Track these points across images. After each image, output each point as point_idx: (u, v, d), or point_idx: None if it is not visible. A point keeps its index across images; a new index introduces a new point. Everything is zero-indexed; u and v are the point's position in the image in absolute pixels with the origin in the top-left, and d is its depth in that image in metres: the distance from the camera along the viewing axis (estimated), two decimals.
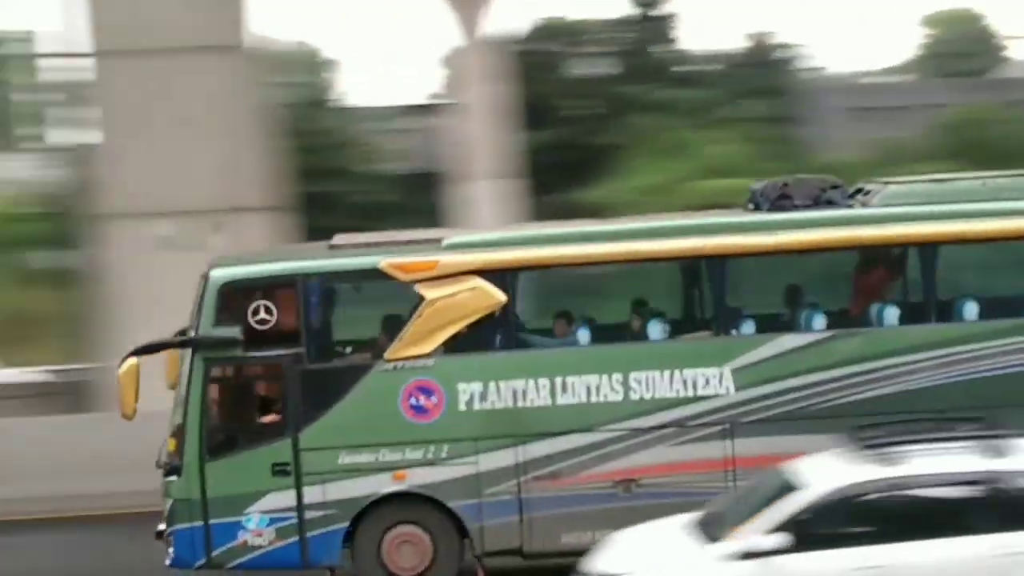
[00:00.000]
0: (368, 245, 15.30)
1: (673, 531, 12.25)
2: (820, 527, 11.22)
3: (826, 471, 11.76)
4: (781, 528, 11.25)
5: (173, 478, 14.70)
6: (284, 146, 24.35)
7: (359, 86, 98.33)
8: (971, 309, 14.74)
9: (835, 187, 15.45)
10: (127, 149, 23.00)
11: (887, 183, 15.50)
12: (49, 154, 38.33)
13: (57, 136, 37.92)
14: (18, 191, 39.77)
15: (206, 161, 22.78)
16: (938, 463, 11.54)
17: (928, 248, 14.80)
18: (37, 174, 39.05)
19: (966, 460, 11.54)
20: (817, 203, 15.16)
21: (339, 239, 15.73)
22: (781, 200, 15.30)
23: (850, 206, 15.23)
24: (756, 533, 11.32)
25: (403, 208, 24.84)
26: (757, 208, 15.44)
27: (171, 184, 22.70)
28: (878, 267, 15.35)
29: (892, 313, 14.78)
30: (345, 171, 35.73)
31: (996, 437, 11.91)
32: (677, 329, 15.04)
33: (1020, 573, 10.95)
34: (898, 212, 14.85)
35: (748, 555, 11.22)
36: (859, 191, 15.68)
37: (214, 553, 14.62)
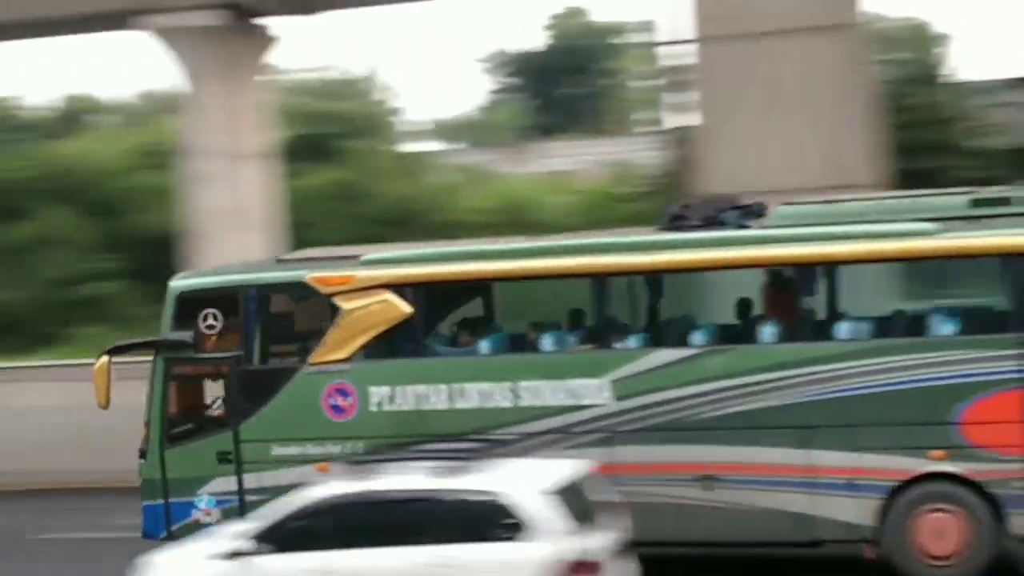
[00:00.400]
0: (308, 260, 16.85)
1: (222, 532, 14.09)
2: (293, 532, 12.73)
3: (319, 485, 13.27)
4: (265, 531, 12.79)
5: (142, 461, 16.78)
6: (887, 123, 24.22)
7: (970, 59, 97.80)
8: (840, 329, 14.92)
9: (737, 207, 15.81)
10: (724, 130, 23.52)
11: (785, 204, 15.75)
12: (653, 136, 41.44)
13: (664, 119, 40.79)
14: (623, 172, 42.37)
15: (805, 140, 22.82)
16: (396, 481, 12.79)
17: (794, 269, 15.05)
18: (643, 155, 42.04)
19: (418, 479, 12.72)
20: (709, 224, 15.60)
21: (290, 254, 17.31)
22: (676, 220, 15.83)
23: (744, 227, 15.57)
24: (244, 536, 12.88)
25: (1008, 182, 25.16)
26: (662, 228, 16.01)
27: (769, 163, 22.85)
28: (760, 287, 15.64)
29: (767, 331, 15.11)
30: (952, 146, 36.02)
31: (470, 458, 13.15)
32: (567, 342, 15.83)
33: None
34: (770, 234, 15.15)
35: (233, 555, 12.75)
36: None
37: (173, 528, 16.74)
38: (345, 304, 16.01)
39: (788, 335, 14.98)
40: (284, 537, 12.71)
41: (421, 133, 55.54)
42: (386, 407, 15.91)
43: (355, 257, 16.44)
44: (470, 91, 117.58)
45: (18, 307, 41.08)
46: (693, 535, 15.41)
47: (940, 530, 14.45)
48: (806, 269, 14.93)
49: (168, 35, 28.12)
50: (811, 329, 14.97)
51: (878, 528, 14.66)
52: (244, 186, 29.70)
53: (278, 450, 16.27)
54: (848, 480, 14.68)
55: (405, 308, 15.86)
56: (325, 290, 16.13)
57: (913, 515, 14.54)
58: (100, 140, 48.36)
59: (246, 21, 29.01)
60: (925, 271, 15.29)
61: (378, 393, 15.92)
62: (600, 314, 15.66)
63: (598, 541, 12.41)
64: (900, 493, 14.55)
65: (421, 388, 15.80)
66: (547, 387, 15.45)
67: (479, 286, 16.57)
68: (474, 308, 16.93)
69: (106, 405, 16.69)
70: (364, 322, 15.96)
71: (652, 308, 15.89)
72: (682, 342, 15.28)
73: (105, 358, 16.67)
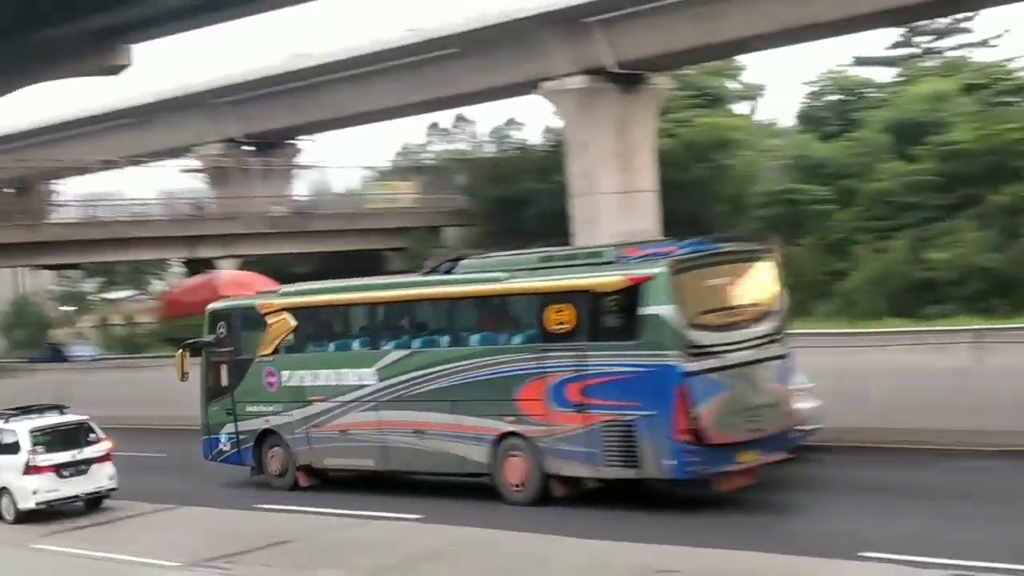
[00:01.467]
0: (275, 292, 27.17)
1: None
2: None
3: None
4: None
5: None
6: None
7: None
8: (467, 339, 23.13)
9: (454, 259, 24.28)
10: None
11: (473, 256, 24.09)
12: None
13: None
14: None
15: None
16: None
17: (447, 301, 23.53)
18: None
19: None
20: (432, 271, 24.30)
21: (284, 287, 27.58)
22: (423, 269, 24.66)
23: (449, 272, 24.04)
24: None
25: None
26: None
27: None
28: (442, 311, 24.09)
29: (438, 340, 23.66)
30: None
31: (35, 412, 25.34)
32: (366, 344, 25.06)
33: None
34: (436, 278, 23.69)
35: None
36: None
37: (212, 454, 27.70)
38: (270, 320, 26.29)
39: (446, 343, 23.56)
40: None
41: None
42: (290, 383, 26.02)
43: (277, 291, 26.74)
44: None
45: (1003, 269, 46.15)
46: (417, 467, 24.36)
47: (515, 468, 22.52)
48: (443, 301, 23.57)
49: None
50: (453, 339, 23.44)
51: (492, 466, 22.93)
52: None
53: (249, 408, 26.79)
54: (475, 435, 23.04)
55: (293, 323, 25.90)
56: (263, 312, 26.47)
57: (503, 458, 22.70)
58: None
59: None
60: (504, 303, 23.16)
61: (285, 375, 26.07)
62: (373, 327, 24.96)
63: (60, 457, 24.26)
64: (498, 444, 22.74)
65: (301, 372, 25.78)
66: (349, 373, 24.95)
67: (326, 309, 26.21)
68: (329, 323, 26.48)
69: (182, 379, 28.07)
70: (277, 331, 26.13)
71: (394, 324, 24.87)
72: (404, 346, 24.21)
73: (180, 350, 28.11)
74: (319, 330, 26.21)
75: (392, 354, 24.29)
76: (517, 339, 22.60)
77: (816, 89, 68.58)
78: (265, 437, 26.55)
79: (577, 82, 54.27)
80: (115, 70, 59.72)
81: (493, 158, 73.36)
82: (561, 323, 21.70)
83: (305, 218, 65.49)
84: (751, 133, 66.69)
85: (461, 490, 23.86)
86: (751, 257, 22.23)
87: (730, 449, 20.76)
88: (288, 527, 21.99)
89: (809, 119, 68.14)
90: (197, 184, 77.36)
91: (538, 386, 22.02)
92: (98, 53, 57.75)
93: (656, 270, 20.72)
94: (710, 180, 60.86)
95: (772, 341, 21.66)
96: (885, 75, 70.62)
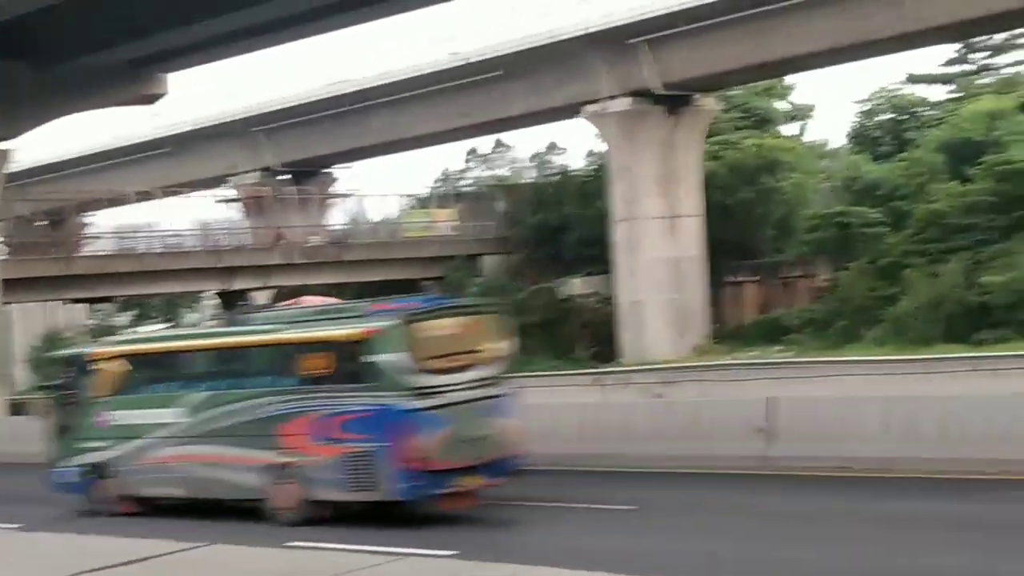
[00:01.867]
0: (112, 342, 30.82)
1: None
2: None
3: None
4: None
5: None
6: None
7: None
8: (253, 382, 26.76)
9: (247, 312, 27.96)
10: None
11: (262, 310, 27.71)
12: None
13: None
14: None
15: None
16: None
17: (234, 349, 27.18)
18: None
19: None
20: (228, 323, 27.96)
21: (116, 337, 31.27)
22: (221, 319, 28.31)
23: (244, 323, 27.72)
24: None
25: None
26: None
27: None
28: (230, 358, 27.73)
29: (226, 383, 27.30)
30: None
31: None
32: (174, 387, 28.66)
33: None
34: (228, 329, 27.34)
35: None
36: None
37: (57, 485, 31.27)
38: (102, 366, 29.93)
39: (232, 385, 27.19)
40: None
41: None
42: (117, 422, 29.64)
43: (110, 340, 30.41)
44: None
45: None
46: (213, 495, 27.88)
47: (285, 493, 26.08)
48: (231, 349, 27.26)
49: None
50: (239, 382, 27.07)
51: (268, 492, 26.46)
52: None
53: (87, 444, 30.39)
54: (256, 465, 26.61)
55: (120, 368, 29.55)
56: (97, 359, 30.15)
57: (276, 485, 26.25)
58: None
59: None
60: (278, 351, 26.77)
61: (114, 414, 29.69)
62: (179, 372, 28.60)
63: None
64: (272, 472, 26.30)
65: (126, 411, 29.41)
66: (165, 412, 28.56)
67: (144, 356, 29.84)
68: (147, 368, 30.04)
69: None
70: (108, 376, 29.77)
71: (195, 369, 28.49)
72: (201, 389, 27.83)
73: (43, 392, 31.81)
74: (139, 374, 29.73)
75: (192, 396, 27.91)
76: (287, 382, 26.24)
77: (868, 108, 68.02)
78: (99, 469, 30.05)
79: (621, 104, 53.90)
80: (151, 99, 59.09)
81: (533, 183, 72.40)
82: (319, 368, 25.34)
83: (342, 248, 66.02)
84: (800, 154, 66.30)
85: (496, 524, 24.50)
86: (475, 311, 25.95)
87: (451, 474, 24.35)
88: (318, 565, 20.59)
89: (861, 139, 67.66)
90: (233, 214, 77.44)
91: (302, 422, 25.67)
92: (134, 82, 57.04)
93: (386, 323, 24.38)
94: (757, 203, 60.60)
95: (493, 383, 25.25)
96: (939, 93, 69.88)
